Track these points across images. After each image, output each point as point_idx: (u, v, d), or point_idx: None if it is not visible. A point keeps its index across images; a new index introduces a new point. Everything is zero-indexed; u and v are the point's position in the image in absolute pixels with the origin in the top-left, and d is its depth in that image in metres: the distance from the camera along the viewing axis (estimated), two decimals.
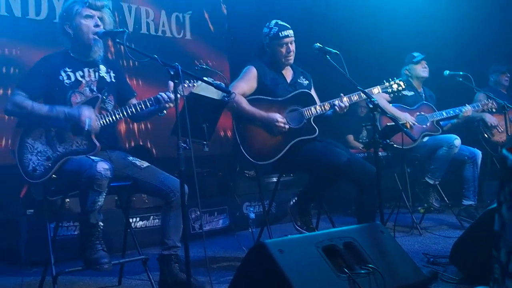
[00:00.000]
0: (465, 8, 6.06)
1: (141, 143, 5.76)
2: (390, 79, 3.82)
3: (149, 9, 5.91)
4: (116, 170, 2.90)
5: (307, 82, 3.94)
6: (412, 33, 6.12)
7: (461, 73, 4.98)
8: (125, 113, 3.05)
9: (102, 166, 2.75)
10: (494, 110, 5.01)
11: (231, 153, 6.02)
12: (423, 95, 5.04)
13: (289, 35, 3.75)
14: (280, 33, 3.74)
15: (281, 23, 3.79)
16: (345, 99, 3.63)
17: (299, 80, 3.89)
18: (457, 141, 4.66)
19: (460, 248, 2.97)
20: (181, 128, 2.55)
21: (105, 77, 3.19)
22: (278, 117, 3.59)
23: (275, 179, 4.69)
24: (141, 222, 4.53)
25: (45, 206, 3.14)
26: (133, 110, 3.04)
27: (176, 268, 3.03)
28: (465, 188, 4.84)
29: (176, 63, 2.62)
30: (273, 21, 3.81)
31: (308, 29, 5.36)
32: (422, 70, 5.01)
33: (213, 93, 3.05)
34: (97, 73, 3.16)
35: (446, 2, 6.17)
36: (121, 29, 2.94)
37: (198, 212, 4.78)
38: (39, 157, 2.94)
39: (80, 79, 3.09)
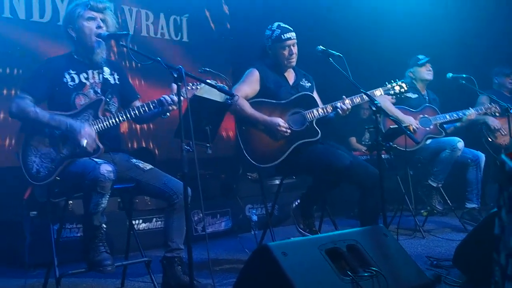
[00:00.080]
0: (468, 10, 6.05)
1: (143, 144, 5.78)
2: (392, 81, 3.82)
3: (149, 12, 5.97)
4: (119, 172, 2.91)
5: (310, 84, 3.95)
6: (415, 35, 6.12)
7: (464, 75, 4.98)
8: (128, 115, 3.05)
9: (106, 168, 2.76)
10: (497, 114, 5.00)
11: (233, 156, 6.03)
12: (427, 97, 5.04)
13: (292, 38, 3.76)
14: (282, 36, 3.74)
15: (283, 25, 3.79)
16: (347, 101, 3.63)
17: (301, 83, 3.89)
18: (460, 144, 4.65)
19: (464, 251, 2.96)
20: (185, 130, 2.56)
21: (109, 79, 3.20)
22: (280, 121, 3.59)
23: (277, 182, 4.69)
24: (143, 224, 4.54)
25: (49, 208, 3.15)
26: (137, 112, 3.05)
27: (179, 271, 3.03)
28: (468, 191, 4.83)
29: (180, 66, 2.63)
30: (275, 24, 3.81)
31: (310, 31, 5.36)
32: (426, 72, 5.00)
33: (216, 96, 3.06)
34: (101, 75, 3.17)
35: (448, 5, 6.17)
36: (125, 32, 2.95)
37: (201, 214, 4.78)
38: (43, 159, 2.95)
39: (84, 81, 3.10)
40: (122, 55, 5.28)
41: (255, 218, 4.95)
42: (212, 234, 4.89)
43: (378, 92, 3.75)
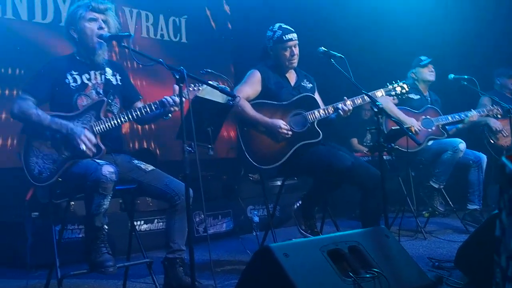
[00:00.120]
0: (469, 11, 6.05)
1: (145, 144, 5.79)
2: (394, 82, 3.82)
3: (149, 13, 6.00)
4: (121, 174, 2.91)
5: (311, 85, 3.95)
6: (416, 36, 6.12)
7: (465, 76, 4.98)
8: (130, 116, 3.05)
9: (108, 170, 2.76)
10: (499, 116, 5.00)
11: (235, 157, 6.03)
12: (429, 98, 5.04)
13: (293, 39, 3.76)
14: (284, 37, 3.74)
15: (285, 26, 3.79)
16: (348, 102, 3.63)
17: (302, 83, 3.89)
18: (462, 145, 4.65)
19: (465, 252, 2.96)
20: (186, 131, 2.56)
21: (111, 79, 3.21)
22: (281, 123, 3.59)
23: (279, 183, 4.70)
24: (145, 225, 4.54)
25: (51, 209, 3.15)
26: (138, 113, 3.05)
27: (181, 272, 3.03)
28: (470, 192, 4.82)
29: (182, 67, 2.63)
30: (277, 25, 3.81)
31: (311, 32, 5.37)
32: (428, 73, 5.00)
33: (218, 97, 3.06)
34: (103, 76, 3.17)
35: (450, 6, 6.17)
36: (127, 33, 2.95)
37: (202, 216, 4.78)
38: (45, 160, 2.95)
39: (87, 81, 3.11)
40: (123, 55, 5.29)
41: (256, 219, 4.97)
42: (213, 235, 4.89)
43: (379, 93, 3.75)
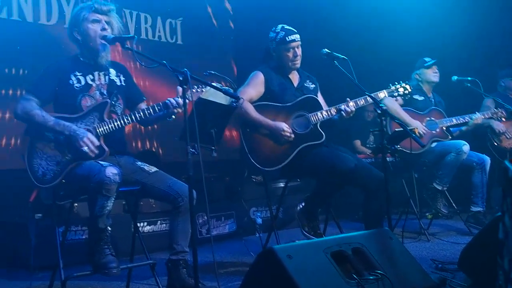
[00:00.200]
0: (473, 13, 6.03)
1: (147, 144, 5.81)
2: (396, 83, 3.82)
3: (148, 15, 6.06)
4: (124, 175, 2.91)
5: (314, 86, 3.95)
6: (419, 38, 6.11)
7: (469, 78, 4.97)
8: (133, 117, 3.06)
9: (111, 171, 2.77)
10: (503, 119, 5.00)
11: (238, 158, 6.03)
12: (433, 100, 5.03)
13: (296, 39, 3.76)
14: (286, 38, 3.74)
15: (287, 27, 3.79)
16: (351, 103, 3.62)
17: (305, 84, 3.89)
18: (466, 147, 4.64)
19: (469, 254, 2.95)
20: (190, 133, 2.56)
21: (115, 80, 3.22)
22: (284, 126, 3.59)
23: (282, 184, 4.69)
24: (148, 227, 4.54)
25: (54, 211, 3.16)
26: (142, 115, 3.05)
27: (184, 273, 3.03)
28: (473, 194, 4.82)
29: (185, 69, 2.64)
30: (279, 26, 3.81)
31: (312, 33, 5.36)
32: (433, 75, 4.99)
33: (221, 99, 3.06)
34: (107, 77, 3.18)
35: (453, 7, 6.16)
36: (130, 35, 2.96)
37: (206, 217, 4.78)
38: (48, 162, 2.95)
39: (91, 82, 3.12)
40: (126, 56, 5.32)
41: (259, 220, 4.96)
42: (216, 236, 4.89)
43: (382, 94, 3.75)
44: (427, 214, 5.13)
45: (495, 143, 5.26)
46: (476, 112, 4.95)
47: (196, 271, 2.53)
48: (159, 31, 6.19)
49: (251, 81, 3.77)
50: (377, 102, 3.30)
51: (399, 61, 5.59)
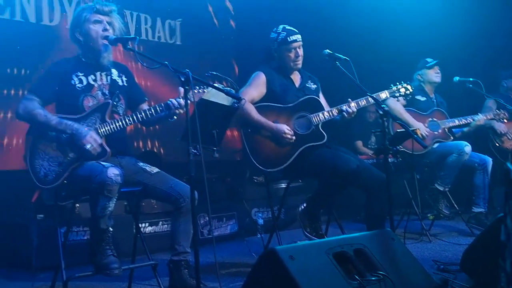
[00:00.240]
0: (475, 13, 6.03)
1: (149, 144, 5.82)
2: (398, 83, 3.82)
3: (147, 16, 6.08)
4: (126, 176, 2.92)
5: (315, 86, 3.95)
6: (420, 38, 6.11)
7: (471, 79, 4.97)
8: (135, 118, 3.07)
9: (113, 172, 2.77)
10: (505, 120, 4.99)
11: (240, 159, 6.04)
12: (435, 101, 5.03)
13: (297, 40, 3.76)
14: (288, 38, 3.74)
15: (289, 27, 3.79)
16: (352, 104, 3.63)
17: (307, 85, 3.89)
18: (468, 148, 4.64)
19: (471, 255, 2.94)
20: (191, 134, 2.56)
21: (117, 80, 3.22)
22: (285, 128, 3.59)
23: (284, 185, 4.69)
24: (150, 228, 4.54)
25: (56, 211, 3.15)
26: (143, 116, 3.06)
27: (186, 274, 3.03)
28: (475, 195, 4.81)
29: (187, 70, 2.64)
30: (281, 26, 3.81)
31: (314, 33, 5.36)
32: (434, 75, 5.00)
33: (223, 99, 3.06)
34: (109, 77, 3.19)
35: (455, 7, 6.15)
36: (132, 36, 2.97)
37: (207, 218, 4.78)
38: (50, 163, 2.96)
39: (93, 83, 3.12)
40: (128, 56, 5.33)
41: (261, 221, 4.96)
42: (218, 237, 4.89)
43: (384, 94, 3.75)
44: (428, 215, 5.12)
45: (497, 144, 5.26)
46: (479, 114, 4.95)
47: (198, 271, 2.53)
48: (158, 32, 6.21)
49: (253, 81, 3.77)
50: (378, 103, 3.30)
51: (400, 62, 5.59)
